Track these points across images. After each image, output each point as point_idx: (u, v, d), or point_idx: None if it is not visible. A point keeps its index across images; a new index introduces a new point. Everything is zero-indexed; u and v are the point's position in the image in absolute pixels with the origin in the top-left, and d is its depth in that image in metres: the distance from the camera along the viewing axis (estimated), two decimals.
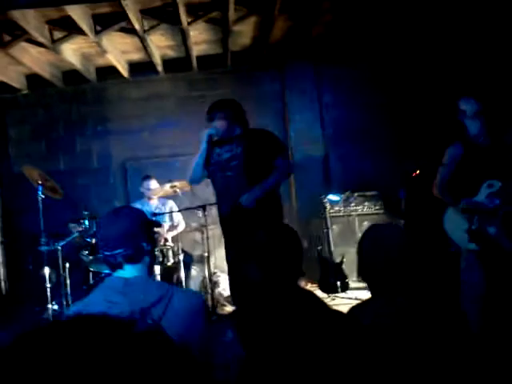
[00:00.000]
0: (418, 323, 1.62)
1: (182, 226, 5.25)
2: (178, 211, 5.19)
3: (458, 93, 3.54)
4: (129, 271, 1.81)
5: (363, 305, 1.92)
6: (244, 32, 5.25)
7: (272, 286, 1.74)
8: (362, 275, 1.86)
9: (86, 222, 4.64)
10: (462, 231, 3.24)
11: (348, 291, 4.53)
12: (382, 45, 5.57)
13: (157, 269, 4.49)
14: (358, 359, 1.41)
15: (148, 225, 1.95)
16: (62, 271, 4.75)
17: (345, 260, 4.68)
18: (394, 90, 5.60)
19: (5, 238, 5.95)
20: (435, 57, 5.47)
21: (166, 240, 4.78)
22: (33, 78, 5.86)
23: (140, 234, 1.86)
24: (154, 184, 5.17)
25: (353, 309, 1.84)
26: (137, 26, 4.46)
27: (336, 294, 4.53)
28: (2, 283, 5.95)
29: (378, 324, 1.62)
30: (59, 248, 4.70)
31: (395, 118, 5.57)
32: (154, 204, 5.20)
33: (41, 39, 4.44)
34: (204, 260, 4.91)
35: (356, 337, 1.48)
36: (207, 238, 4.70)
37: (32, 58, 5.21)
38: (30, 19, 4.15)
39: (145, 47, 5.14)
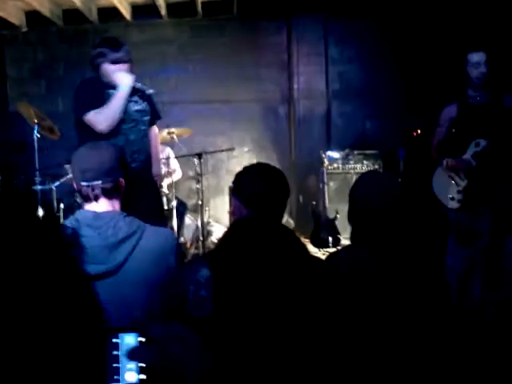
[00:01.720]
0: (397, 272, 1.60)
1: (178, 175, 5.21)
2: (175, 158, 5.15)
3: (466, 48, 3.45)
4: (102, 205, 1.80)
5: (342, 251, 1.90)
6: None
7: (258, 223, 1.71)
8: (350, 218, 1.85)
9: None
10: (446, 191, 3.29)
11: (339, 247, 4.52)
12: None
13: None
14: (329, 302, 1.39)
15: (125, 161, 1.94)
16: (56, 212, 4.76)
17: (338, 216, 4.67)
18: (402, 47, 5.43)
19: (2, 175, 5.95)
20: (446, 12, 5.27)
21: (160, 186, 4.75)
22: (32, 15, 5.71)
23: (118, 168, 1.84)
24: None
25: (331, 255, 1.82)
26: None
27: (327, 249, 4.54)
28: None
29: (355, 270, 1.60)
30: (53, 188, 4.70)
31: (401, 76, 5.42)
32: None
33: None
34: (198, 209, 4.91)
35: (330, 281, 1.46)
36: (202, 187, 4.69)
37: None
38: None
39: None
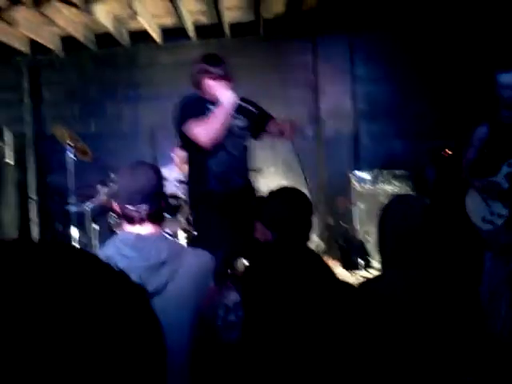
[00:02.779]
0: (430, 297, 1.59)
1: None
2: None
3: (497, 67, 3.41)
4: (146, 227, 1.81)
5: (375, 278, 1.90)
6: None
7: (282, 247, 1.74)
8: (380, 245, 1.85)
9: (113, 185, 4.72)
10: (478, 212, 3.24)
11: (370, 270, 4.49)
12: (420, 17, 5.35)
13: (181, 236, 4.54)
14: (358, 326, 1.39)
15: (163, 184, 1.96)
16: (90, 232, 4.87)
17: (369, 238, 4.63)
18: (430, 66, 5.40)
19: (38, 197, 6.12)
20: (474, 31, 5.22)
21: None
22: (67, 40, 5.90)
23: (161, 191, 1.87)
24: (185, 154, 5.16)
25: (364, 282, 1.82)
26: None
27: (358, 272, 4.51)
28: None
29: (388, 296, 1.60)
30: (87, 209, 4.81)
31: (430, 95, 5.39)
32: (182, 172, 5.22)
33: None
34: None
35: (359, 304, 1.46)
36: None
37: (65, 19, 5.22)
38: None
39: (176, 11, 5.08)
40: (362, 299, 1.52)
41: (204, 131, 2.90)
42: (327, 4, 5.26)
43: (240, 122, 3.14)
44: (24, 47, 5.85)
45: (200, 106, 3.05)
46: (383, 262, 1.85)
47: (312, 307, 1.34)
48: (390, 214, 1.83)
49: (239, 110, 3.12)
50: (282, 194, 1.95)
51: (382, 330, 1.47)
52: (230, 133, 3.03)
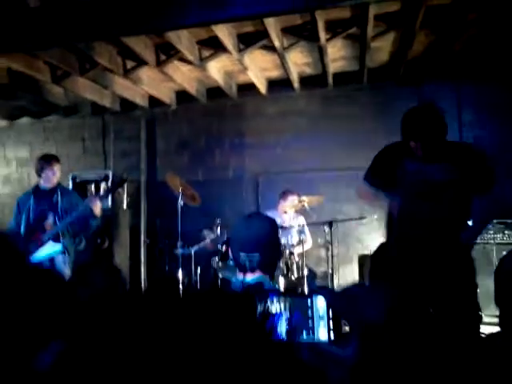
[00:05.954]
0: None
1: (309, 244, 5.27)
2: (305, 226, 5.25)
3: None
4: (255, 276, 1.88)
5: (487, 339, 1.79)
6: (382, 48, 5.20)
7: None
8: (498, 302, 1.73)
9: (218, 230, 4.92)
10: None
11: (480, 325, 4.17)
12: None
13: (281, 281, 4.58)
14: None
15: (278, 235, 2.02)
16: (193, 274, 5.08)
17: (478, 291, 4.33)
18: None
19: (148, 239, 6.52)
20: None
21: (291, 253, 4.86)
22: (180, 94, 6.39)
23: (274, 242, 1.94)
24: (294, 200, 5.25)
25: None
26: (277, 44, 4.64)
27: None
28: (142, 281, 6.50)
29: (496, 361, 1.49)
30: (192, 252, 5.04)
31: None
32: (285, 217, 5.31)
33: (190, 57, 4.83)
34: (328, 277, 4.90)
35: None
36: (332, 255, 4.70)
37: (182, 76, 5.69)
38: (182, 40, 4.56)
39: (283, 64, 5.32)
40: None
41: (362, 197, 3.11)
42: (433, 53, 5.22)
43: (440, 175, 2.78)
44: (143, 102, 6.42)
45: (391, 161, 2.88)
46: (500, 319, 1.74)
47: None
48: (506, 270, 1.73)
49: (445, 161, 2.79)
50: None
51: None
52: (427, 186, 2.76)
